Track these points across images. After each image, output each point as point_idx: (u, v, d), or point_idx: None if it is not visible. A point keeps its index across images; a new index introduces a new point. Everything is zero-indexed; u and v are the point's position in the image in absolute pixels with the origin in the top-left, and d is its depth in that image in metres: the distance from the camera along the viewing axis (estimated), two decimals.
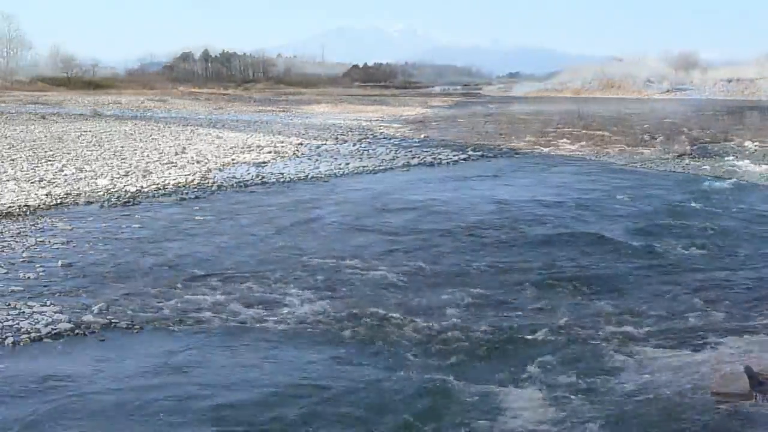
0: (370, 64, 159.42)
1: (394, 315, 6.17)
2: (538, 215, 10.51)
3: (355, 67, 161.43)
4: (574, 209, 10.97)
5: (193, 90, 78.39)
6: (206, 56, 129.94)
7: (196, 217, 10.81)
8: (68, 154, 18.44)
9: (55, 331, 5.92)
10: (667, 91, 73.50)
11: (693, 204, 11.11)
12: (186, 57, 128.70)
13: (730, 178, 13.74)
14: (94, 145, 20.76)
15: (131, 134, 25.01)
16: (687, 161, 17.16)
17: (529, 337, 5.66)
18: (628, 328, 5.84)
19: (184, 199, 12.53)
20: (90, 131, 26.32)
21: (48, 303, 6.59)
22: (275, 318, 6.19)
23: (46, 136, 23.87)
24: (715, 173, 14.56)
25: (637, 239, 8.84)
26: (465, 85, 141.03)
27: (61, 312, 6.31)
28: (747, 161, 16.41)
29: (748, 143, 20.87)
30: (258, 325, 6.03)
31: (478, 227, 9.65)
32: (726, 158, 17.19)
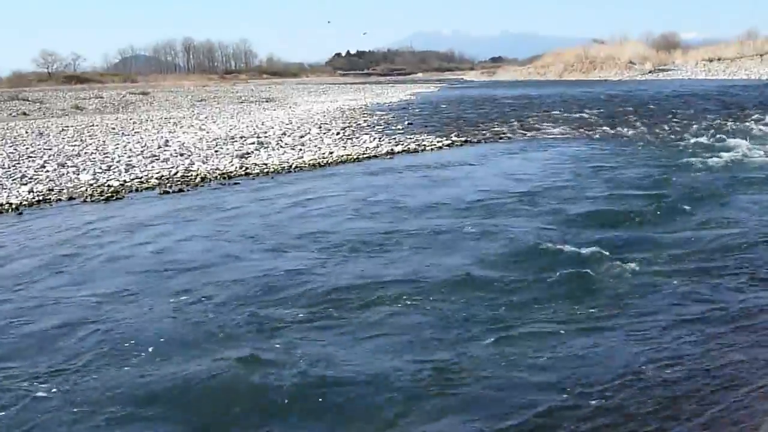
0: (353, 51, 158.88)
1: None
2: (518, 197, 10.56)
3: (338, 55, 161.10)
4: (552, 190, 11.03)
5: (175, 82, 77.92)
6: (188, 47, 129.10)
7: (177, 210, 10.80)
8: (50, 149, 18.32)
9: None
10: (650, 72, 73.81)
11: (670, 185, 11.19)
12: (167, 48, 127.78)
13: (711, 158, 13.82)
14: (76, 140, 20.64)
15: (113, 128, 24.88)
16: (668, 141, 17.26)
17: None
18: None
19: (167, 192, 12.50)
20: (72, 126, 26.17)
21: None
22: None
23: (27, 132, 23.71)
24: (697, 153, 14.65)
25: (615, 217, 8.91)
26: (448, 70, 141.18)
27: None
28: (730, 139, 16.52)
29: (729, 123, 21.02)
30: None
31: (460, 212, 9.69)
32: (707, 137, 17.28)
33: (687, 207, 9.29)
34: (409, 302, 6.09)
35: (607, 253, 7.09)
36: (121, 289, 6.87)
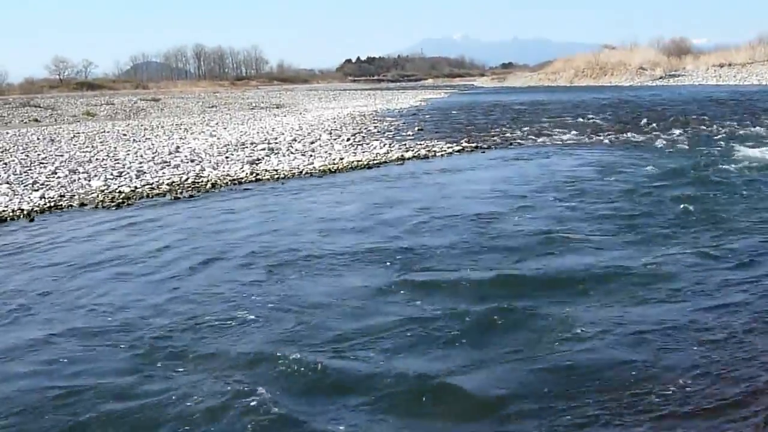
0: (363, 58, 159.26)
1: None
2: (527, 204, 10.52)
3: (348, 61, 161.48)
4: (557, 196, 10.98)
5: (186, 88, 78.29)
6: (199, 53, 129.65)
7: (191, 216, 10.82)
8: (61, 156, 18.41)
9: None
10: (660, 77, 73.45)
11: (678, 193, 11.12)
12: (178, 54, 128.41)
13: (722, 163, 13.73)
14: (87, 147, 20.74)
15: (124, 134, 25.00)
16: (679, 147, 17.16)
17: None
18: None
19: (178, 198, 12.52)
20: (83, 132, 26.32)
21: None
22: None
23: (39, 139, 23.86)
24: (708, 158, 14.55)
25: (626, 222, 8.85)
26: (458, 76, 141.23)
27: None
28: (739, 145, 16.40)
29: (741, 129, 20.89)
30: None
31: (467, 219, 9.66)
32: (719, 144, 17.19)
33: (694, 218, 9.24)
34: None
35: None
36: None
